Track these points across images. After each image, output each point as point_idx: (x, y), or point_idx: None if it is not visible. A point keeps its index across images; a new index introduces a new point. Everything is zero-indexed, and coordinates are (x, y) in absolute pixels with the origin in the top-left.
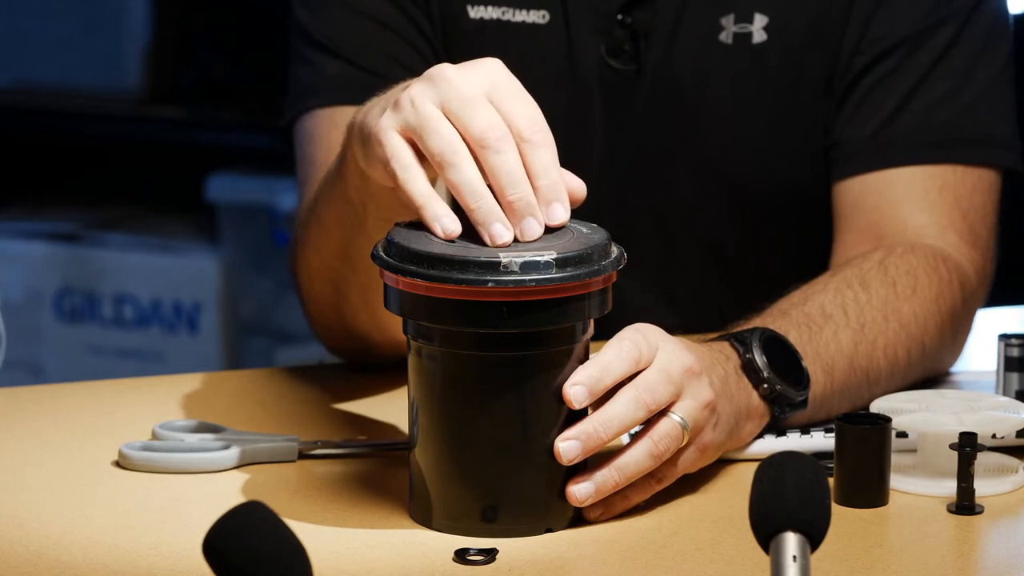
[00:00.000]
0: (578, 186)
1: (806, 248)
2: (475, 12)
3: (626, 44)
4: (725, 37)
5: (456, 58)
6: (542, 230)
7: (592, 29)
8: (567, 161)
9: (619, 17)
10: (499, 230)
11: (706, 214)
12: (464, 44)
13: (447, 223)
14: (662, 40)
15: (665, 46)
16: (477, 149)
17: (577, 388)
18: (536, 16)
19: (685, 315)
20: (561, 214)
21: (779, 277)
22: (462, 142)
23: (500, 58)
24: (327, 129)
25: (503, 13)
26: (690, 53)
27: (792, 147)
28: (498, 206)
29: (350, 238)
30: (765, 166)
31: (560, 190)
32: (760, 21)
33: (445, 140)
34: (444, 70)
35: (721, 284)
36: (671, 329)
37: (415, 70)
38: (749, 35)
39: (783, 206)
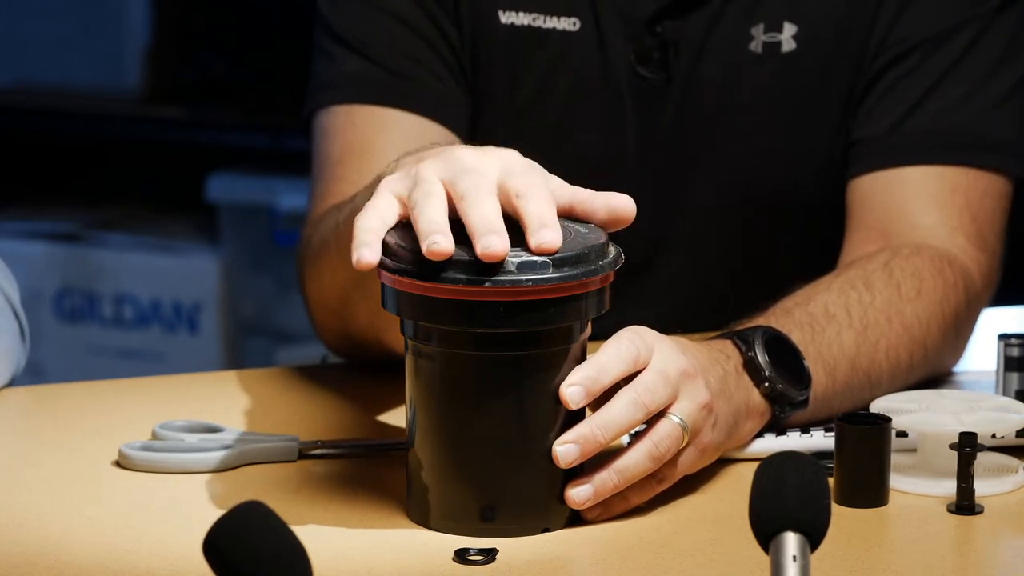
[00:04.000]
0: (625, 204)
1: (827, 255)
2: (506, 18)
3: (655, 53)
4: (755, 47)
5: (485, 63)
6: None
7: (622, 37)
8: (599, 167)
9: (649, 25)
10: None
11: (730, 220)
12: (495, 50)
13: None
14: (692, 50)
15: (695, 56)
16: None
17: (574, 389)
18: (567, 23)
19: (702, 318)
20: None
21: (799, 283)
22: (447, 224)
23: (531, 65)
24: (344, 127)
25: (534, 19)
26: (720, 63)
27: (817, 155)
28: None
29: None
30: (790, 174)
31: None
32: (789, 30)
33: (431, 221)
34: (458, 154)
35: (740, 288)
36: (671, 331)
37: (435, 72)
38: (779, 44)
39: (805, 213)
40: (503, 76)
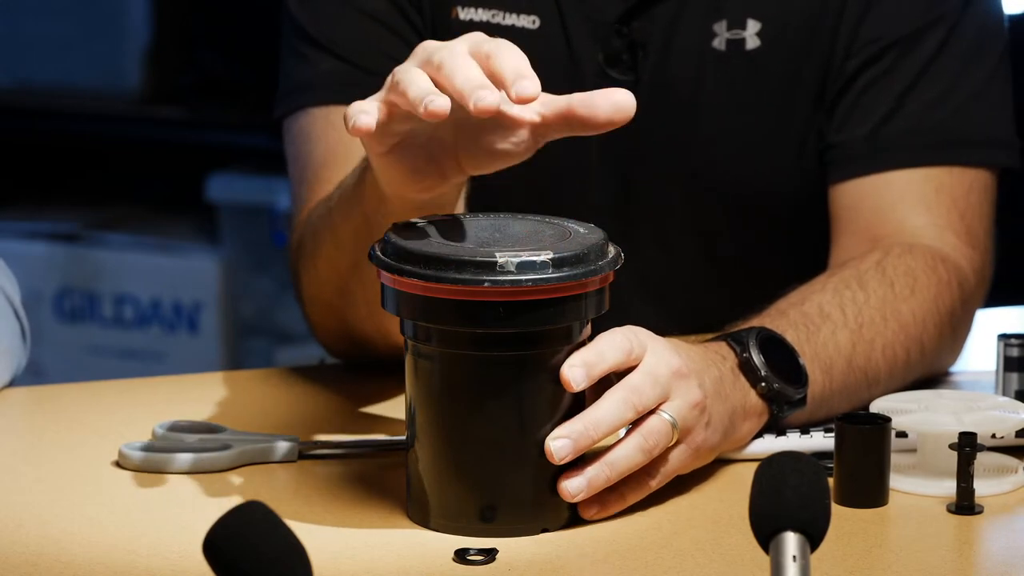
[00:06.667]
0: (626, 97)
1: (802, 253)
2: (464, 14)
3: (624, 54)
4: (718, 44)
5: None
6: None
7: (588, 38)
8: (563, 166)
9: (617, 27)
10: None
11: (701, 220)
12: None
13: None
14: (657, 48)
15: (661, 54)
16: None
17: (576, 370)
18: (526, 21)
19: (681, 320)
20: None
21: (775, 281)
22: (433, 86)
23: None
24: (324, 129)
25: (492, 16)
26: (684, 61)
27: (786, 153)
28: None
29: (364, 254)
30: (759, 172)
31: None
32: (753, 27)
33: (420, 89)
34: (426, 43)
35: (717, 289)
36: (666, 332)
37: None
38: (742, 41)
39: (778, 211)
40: None
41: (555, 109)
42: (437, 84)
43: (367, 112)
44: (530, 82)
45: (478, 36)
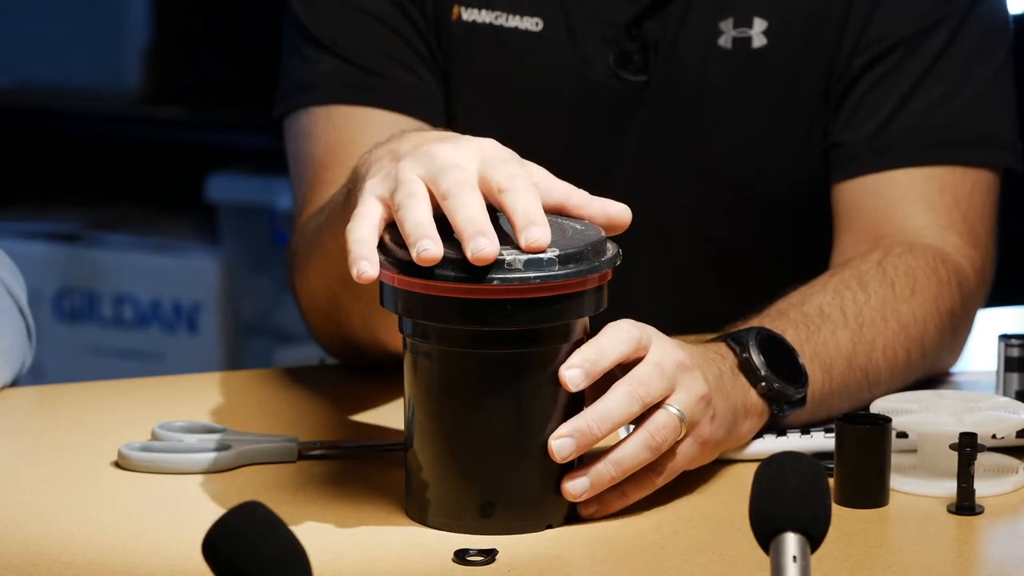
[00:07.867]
0: (622, 211)
1: (806, 251)
2: (468, 15)
3: (636, 56)
4: (725, 42)
5: (447, 60)
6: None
7: (598, 40)
8: (567, 169)
9: (629, 28)
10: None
11: (705, 219)
12: (454, 46)
13: (364, 266)
14: (666, 48)
15: (668, 54)
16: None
17: (574, 371)
18: (529, 23)
19: (684, 319)
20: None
21: (779, 281)
22: (433, 226)
23: (491, 63)
24: (324, 128)
25: (496, 18)
26: (691, 59)
27: (791, 151)
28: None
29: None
30: (764, 171)
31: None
32: (759, 26)
33: (418, 225)
34: (436, 148)
35: (720, 288)
36: (666, 332)
37: (412, 68)
38: (749, 39)
39: (782, 210)
40: (462, 73)
41: (552, 202)
42: (441, 208)
43: (369, 261)
44: (540, 230)
45: (490, 154)
